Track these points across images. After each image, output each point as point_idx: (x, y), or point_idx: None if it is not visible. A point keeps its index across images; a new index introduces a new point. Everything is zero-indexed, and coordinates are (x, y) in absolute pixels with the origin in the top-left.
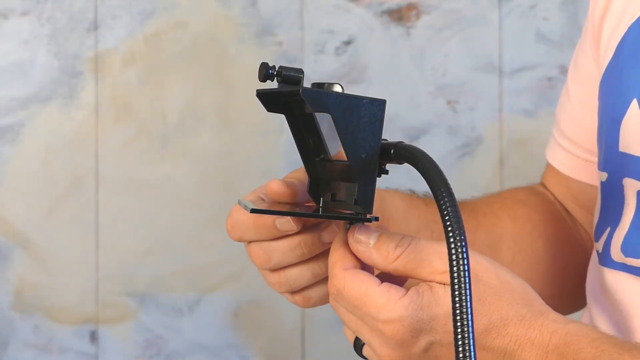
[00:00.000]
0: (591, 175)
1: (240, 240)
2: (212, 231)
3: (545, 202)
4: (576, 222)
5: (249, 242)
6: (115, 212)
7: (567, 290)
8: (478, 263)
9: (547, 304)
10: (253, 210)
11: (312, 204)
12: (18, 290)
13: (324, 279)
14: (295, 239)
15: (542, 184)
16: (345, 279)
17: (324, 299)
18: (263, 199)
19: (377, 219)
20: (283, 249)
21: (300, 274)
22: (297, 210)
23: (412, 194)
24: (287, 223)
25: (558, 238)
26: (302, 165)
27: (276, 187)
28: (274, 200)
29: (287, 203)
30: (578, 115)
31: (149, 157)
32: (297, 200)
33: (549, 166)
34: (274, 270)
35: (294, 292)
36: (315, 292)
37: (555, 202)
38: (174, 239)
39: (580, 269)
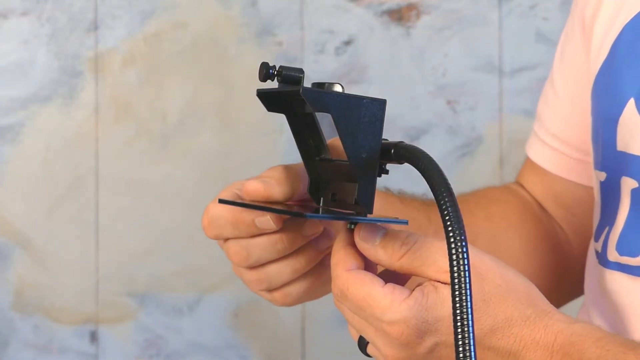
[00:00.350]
0: (578, 173)
1: (217, 237)
2: None
3: (520, 200)
4: (553, 221)
5: (226, 239)
6: (115, 212)
7: (543, 289)
8: (483, 263)
9: None
10: (221, 201)
11: (291, 203)
12: (18, 290)
13: (303, 275)
14: (276, 234)
15: (518, 183)
16: (349, 280)
17: (304, 296)
18: (239, 195)
19: (406, 222)
20: (263, 245)
21: (280, 270)
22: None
23: (387, 191)
24: (266, 222)
25: (534, 236)
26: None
27: (253, 188)
28: (252, 200)
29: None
30: (566, 111)
31: (149, 157)
32: (276, 199)
33: (529, 163)
34: (253, 267)
35: (272, 290)
36: (295, 289)
37: (531, 200)
38: (174, 239)
39: (557, 268)
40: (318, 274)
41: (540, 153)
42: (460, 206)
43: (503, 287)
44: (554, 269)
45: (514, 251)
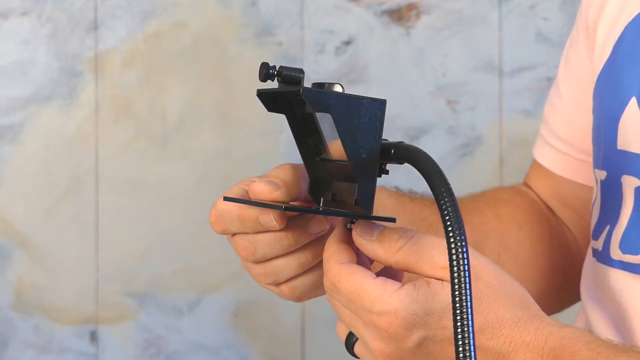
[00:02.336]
0: (584, 175)
1: (224, 232)
2: (212, 231)
3: (529, 201)
4: (561, 222)
5: (234, 234)
6: (115, 212)
7: (551, 290)
8: (479, 262)
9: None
10: (226, 198)
11: (297, 203)
12: (18, 290)
13: (310, 269)
14: (282, 231)
15: (526, 184)
16: (340, 272)
17: (311, 289)
18: (247, 192)
19: (394, 219)
20: (269, 241)
21: (287, 264)
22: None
23: (398, 190)
24: (269, 220)
25: (543, 238)
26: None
27: (259, 190)
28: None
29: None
30: (570, 115)
31: (149, 157)
32: (281, 201)
33: (535, 165)
34: (259, 262)
35: (279, 283)
36: (301, 282)
37: (539, 202)
38: (174, 239)
39: (565, 269)
40: (320, 272)
41: (546, 155)
42: (470, 206)
43: (497, 287)
44: (562, 270)
45: (524, 252)
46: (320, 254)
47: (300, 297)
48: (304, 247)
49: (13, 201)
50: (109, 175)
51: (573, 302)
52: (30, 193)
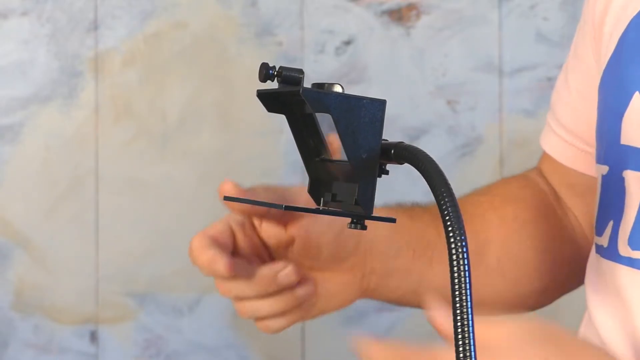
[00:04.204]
0: (588, 165)
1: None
2: None
3: (536, 194)
4: (567, 210)
5: None
6: (115, 212)
7: (556, 282)
8: None
9: (538, 298)
10: (227, 198)
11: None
12: (18, 290)
13: (281, 313)
14: (251, 280)
15: (539, 169)
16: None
17: (284, 328)
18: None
19: (394, 220)
20: (240, 286)
21: (259, 307)
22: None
23: (398, 208)
24: (219, 269)
25: (547, 234)
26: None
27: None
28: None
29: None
30: (577, 106)
31: (149, 157)
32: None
33: (544, 153)
34: (236, 299)
35: (257, 319)
36: (274, 323)
37: (548, 191)
38: (174, 239)
39: (571, 260)
40: (296, 315)
41: (552, 144)
42: (474, 209)
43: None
44: (568, 262)
45: (526, 252)
46: (291, 303)
47: (276, 332)
48: (275, 294)
49: (13, 201)
50: (109, 175)
51: (579, 286)
52: (30, 193)
